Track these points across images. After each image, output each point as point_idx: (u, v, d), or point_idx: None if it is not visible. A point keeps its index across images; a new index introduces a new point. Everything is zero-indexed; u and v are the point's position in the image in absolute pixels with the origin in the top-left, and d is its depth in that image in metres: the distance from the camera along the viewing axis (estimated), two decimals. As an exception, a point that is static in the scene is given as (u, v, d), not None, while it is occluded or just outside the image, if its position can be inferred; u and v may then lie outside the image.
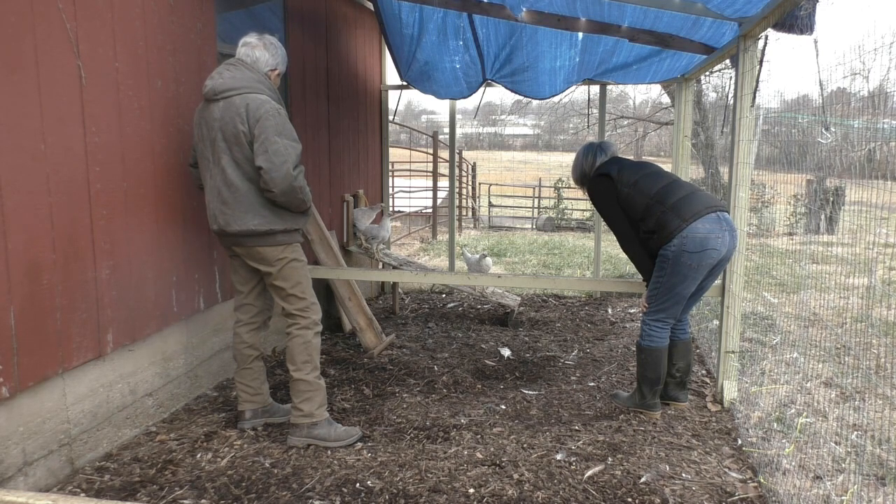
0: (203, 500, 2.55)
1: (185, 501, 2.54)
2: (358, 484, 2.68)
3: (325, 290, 4.92)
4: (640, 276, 3.51)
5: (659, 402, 3.42)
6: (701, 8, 3.51)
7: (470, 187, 15.50)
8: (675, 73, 5.36)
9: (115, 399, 2.98)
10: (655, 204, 3.18)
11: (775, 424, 3.28)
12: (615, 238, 3.48)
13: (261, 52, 2.93)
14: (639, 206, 3.23)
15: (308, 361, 3.02)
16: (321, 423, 3.04)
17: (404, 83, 6.06)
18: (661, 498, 2.59)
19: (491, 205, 16.19)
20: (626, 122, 20.07)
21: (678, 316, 3.39)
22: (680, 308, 3.31)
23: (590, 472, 2.79)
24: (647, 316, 3.34)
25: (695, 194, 3.20)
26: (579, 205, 16.10)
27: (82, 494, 2.57)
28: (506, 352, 4.63)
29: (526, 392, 3.82)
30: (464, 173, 14.48)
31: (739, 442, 3.13)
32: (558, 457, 2.93)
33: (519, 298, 5.73)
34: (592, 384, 3.98)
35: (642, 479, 2.73)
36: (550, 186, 16.24)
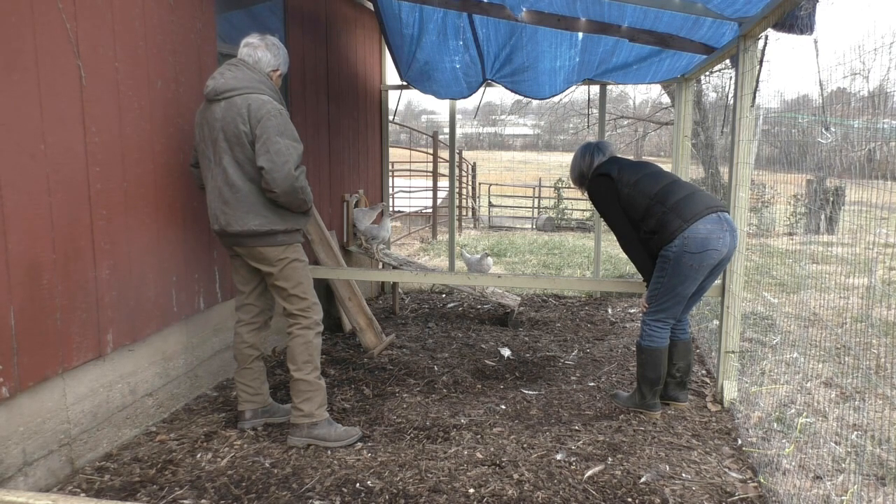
0: (203, 500, 2.55)
1: (185, 501, 2.54)
2: (358, 484, 2.68)
3: (325, 290, 4.92)
4: (640, 276, 3.51)
5: (659, 402, 3.42)
6: (701, 8, 3.51)
7: (470, 187, 15.50)
8: (675, 73, 5.36)
9: (115, 399, 2.98)
10: (656, 204, 3.18)
11: (775, 424, 3.27)
12: (615, 238, 3.48)
13: (262, 52, 2.93)
14: (639, 206, 3.24)
15: (309, 361, 3.02)
16: (321, 423, 3.04)
17: (404, 83, 6.06)
18: (661, 498, 2.59)
19: (491, 205, 16.19)
20: (626, 122, 20.08)
21: (678, 316, 3.39)
22: (680, 308, 3.31)
23: (590, 472, 2.79)
24: (647, 316, 3.35)
25: (695, 194, 3.20)
26: (579, 205, 16.09)
27: (82, 494, 2.57)
28: (506, 352, 4.63)
29: (526, 392, 3.82)
30: (464, 173, 14.48)
31: (739, 442, 3.13)
32: (558, 457, 2.93)
33: (519, 298, 5.73)
34: (592, 384, 3.98)
35: (642, 479, 2.73)
36: (550, 186, 16.23)
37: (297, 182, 2.81)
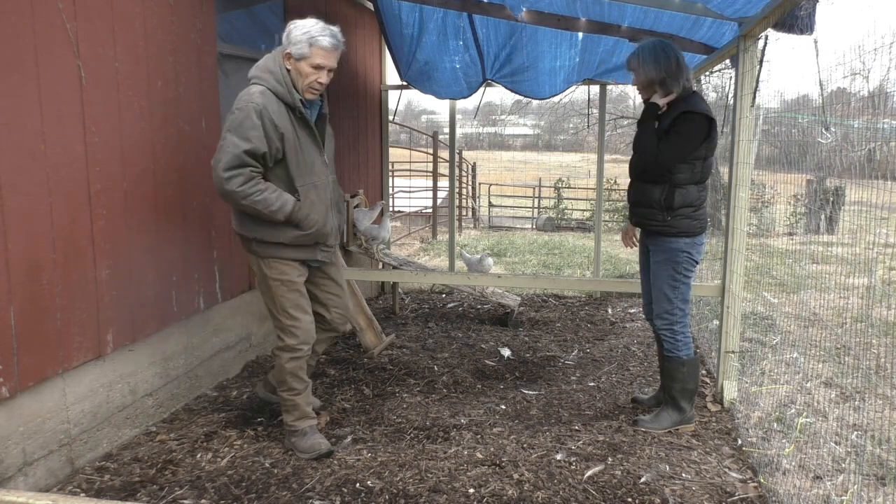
0: (203, 500, 2.55)
1: (185, 501, 2.54)
2: (358, 484, 2.68)
3: (325, 290, 4.91)
4: (639, 276, 3.49)
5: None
6: (701, 8, 3.51)
7: (470, 187, 15.50)
8: (675, 73, 5.35)
9: (115, 399, 2.98)
10: (699, 192, 3.08)
11: (775, 424, 3.28)
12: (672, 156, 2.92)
13: (285, 34, 2.80)
14: (686, 180, 3.01)
15: (283, 382, 2.94)
16: (297, 433, 2.98)
17: (404, 83, 6.05)
18: (661, 498, 2.59)
19: (491, 205, 16.19)
20: (626, 122, 20.06)
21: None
22: None
23: (590, 472, 2.79)
24: (676, 325, 3.16)
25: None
26: (579, 205, 16.11)
27: (82, 494, 2.57)
28: (506, 352, 4.63)
29: (526, 392, 3.82)
30: (464, 173, 14.47)
31: (739, 442, 3.13)
32: (558, 457, 2.93)
33: (519, 298, 5.73)
34: (592, 384, 3.98)
35: (642, 479, 2.73)
36: (550, 186, 16.24)
37: (228, 185, 2.55)
